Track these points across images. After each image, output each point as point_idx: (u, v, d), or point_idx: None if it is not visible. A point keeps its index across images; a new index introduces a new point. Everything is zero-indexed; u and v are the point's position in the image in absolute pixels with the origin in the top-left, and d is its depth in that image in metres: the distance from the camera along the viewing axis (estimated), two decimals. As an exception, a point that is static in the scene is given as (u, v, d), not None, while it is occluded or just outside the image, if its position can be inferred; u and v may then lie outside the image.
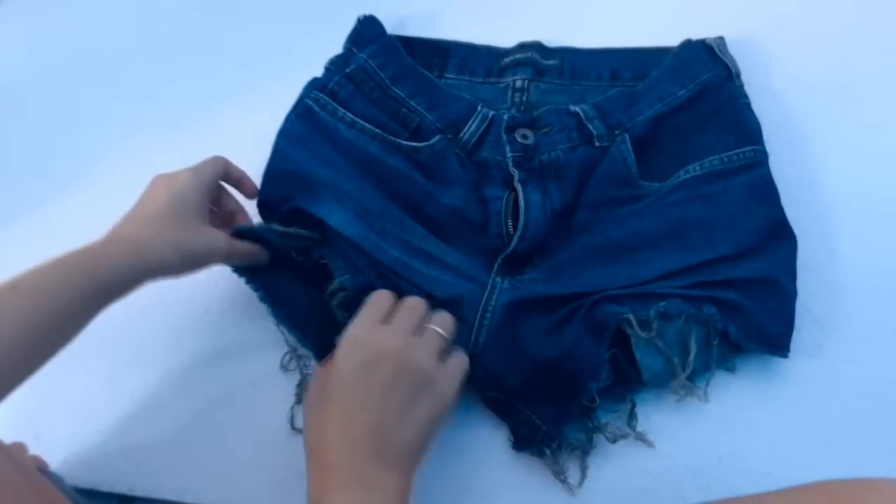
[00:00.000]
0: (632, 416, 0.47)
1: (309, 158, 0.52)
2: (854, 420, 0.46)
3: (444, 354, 0.44)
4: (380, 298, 0.46)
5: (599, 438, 0.47)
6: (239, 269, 0.50)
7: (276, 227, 0.49)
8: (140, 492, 0.49)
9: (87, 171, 0.61)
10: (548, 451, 0.46)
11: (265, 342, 0.51)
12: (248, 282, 0.50)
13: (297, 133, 0.53)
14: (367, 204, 0.51)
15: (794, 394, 0.47)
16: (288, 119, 0.54)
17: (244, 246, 0.48)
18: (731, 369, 0.48)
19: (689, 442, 0.46)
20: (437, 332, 0.44)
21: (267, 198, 0.52)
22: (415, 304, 0.46)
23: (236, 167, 0.52)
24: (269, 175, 0.53)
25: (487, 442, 0.47)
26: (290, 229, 0.49)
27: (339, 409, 0.40)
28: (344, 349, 0.43)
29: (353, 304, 0.46)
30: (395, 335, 0.43)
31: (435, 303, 0.49)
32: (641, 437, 0.47)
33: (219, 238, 0.47)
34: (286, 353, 0.51)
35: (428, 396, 0.41)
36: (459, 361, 0.45)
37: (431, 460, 0.44)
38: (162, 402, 0.50)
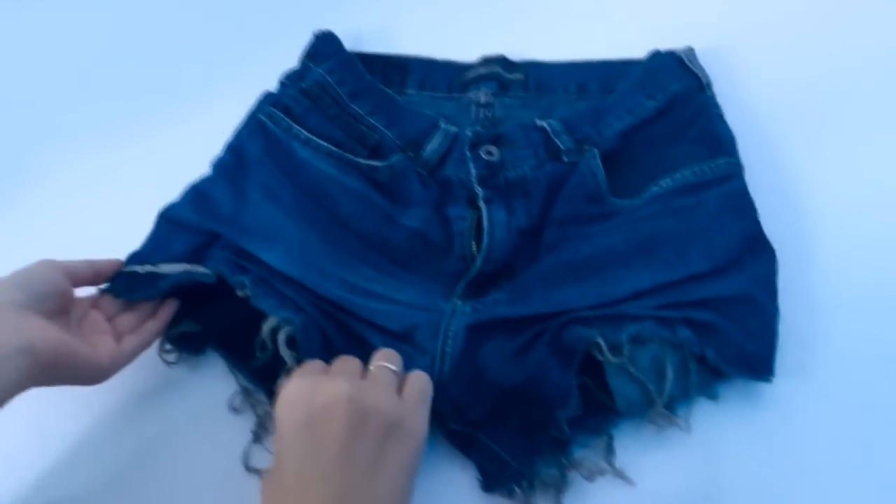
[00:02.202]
0: (609, 451, 0.43)
1: (253, 190, 0.49)
2: (846, 442, 0.43)
3: (400, 389, 0.39)
4: (312, 361, 0.41)
5: (575, 475, 0.43)
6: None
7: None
8: (72, 547, 0.44)
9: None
10: (518, 490, 0.42)
11: (210, 375, 0.48)
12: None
13: (248, 153, 0.50)
14: (310, 242, 0.47)
15: (780, 418, 0.44)
16: (238, 135, 0.51)
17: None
18: (713, 397, 0.45)
19: (672, 478, 0.43)
20: (384, 367, 0.40)
21: (181, 214, 0.48)
22: (350, 356, 0.41)
23: (74, 265, 0.43)
24: (200, 191, 0.48)
25: (454, 484, 0.44)
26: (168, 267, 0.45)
27: (292, 480, 0.34)
28: (282, 408, 0.37)
29: (301, 344, 0.43)
30: (338, 381, 0.37)
31: (389, 336, 0.46)
32: (620, 474, 0.43)
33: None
34: (236, 394, 0.47)
35: (398, 440, 0.36)
36: (419, 386, 0.40)
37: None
38: (96, 447, 0.46)
